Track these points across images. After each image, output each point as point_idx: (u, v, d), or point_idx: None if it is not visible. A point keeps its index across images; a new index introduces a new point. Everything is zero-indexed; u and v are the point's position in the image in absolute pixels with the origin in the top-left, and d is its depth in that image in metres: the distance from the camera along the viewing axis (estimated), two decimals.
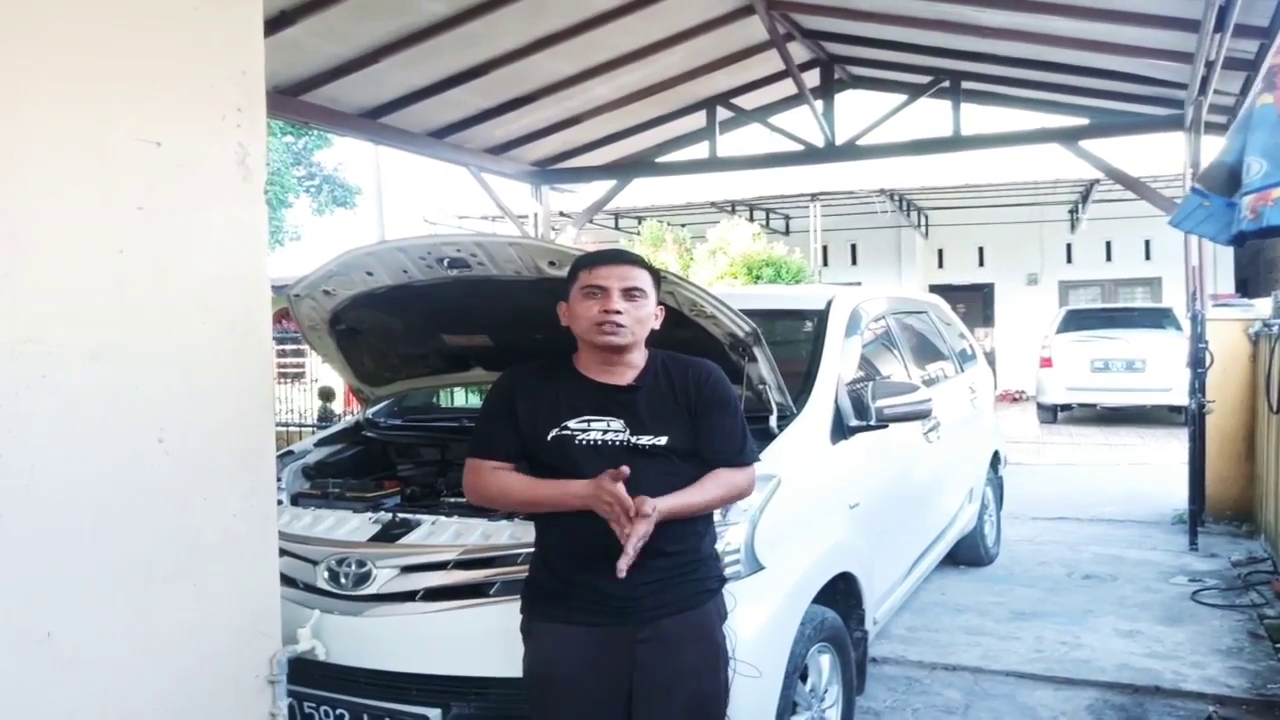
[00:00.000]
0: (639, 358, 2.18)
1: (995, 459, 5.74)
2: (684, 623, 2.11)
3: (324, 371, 9.99)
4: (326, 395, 9.82)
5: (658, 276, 2.24)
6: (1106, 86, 6.92)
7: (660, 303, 2.23)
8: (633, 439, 2.10)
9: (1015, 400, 15.64)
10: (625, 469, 1.96)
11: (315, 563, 2.70)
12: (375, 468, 3.62)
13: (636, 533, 1.94)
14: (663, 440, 2.11)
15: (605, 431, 2.11)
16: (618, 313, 2.07)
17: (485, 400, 2.34)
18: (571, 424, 2.11)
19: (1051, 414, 12.71)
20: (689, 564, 2.14)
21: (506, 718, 2.42)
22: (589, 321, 2.10)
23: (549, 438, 2.12)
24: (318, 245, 22.82)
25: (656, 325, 2.19)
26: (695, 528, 2.17)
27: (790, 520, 2.81)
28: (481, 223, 14.77)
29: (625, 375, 2.15)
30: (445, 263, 2.75)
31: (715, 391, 2.19)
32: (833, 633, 2.91)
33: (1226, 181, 2.74)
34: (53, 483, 1.80)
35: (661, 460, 2.11)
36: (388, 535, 2.76)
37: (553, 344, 2.25)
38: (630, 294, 2.10)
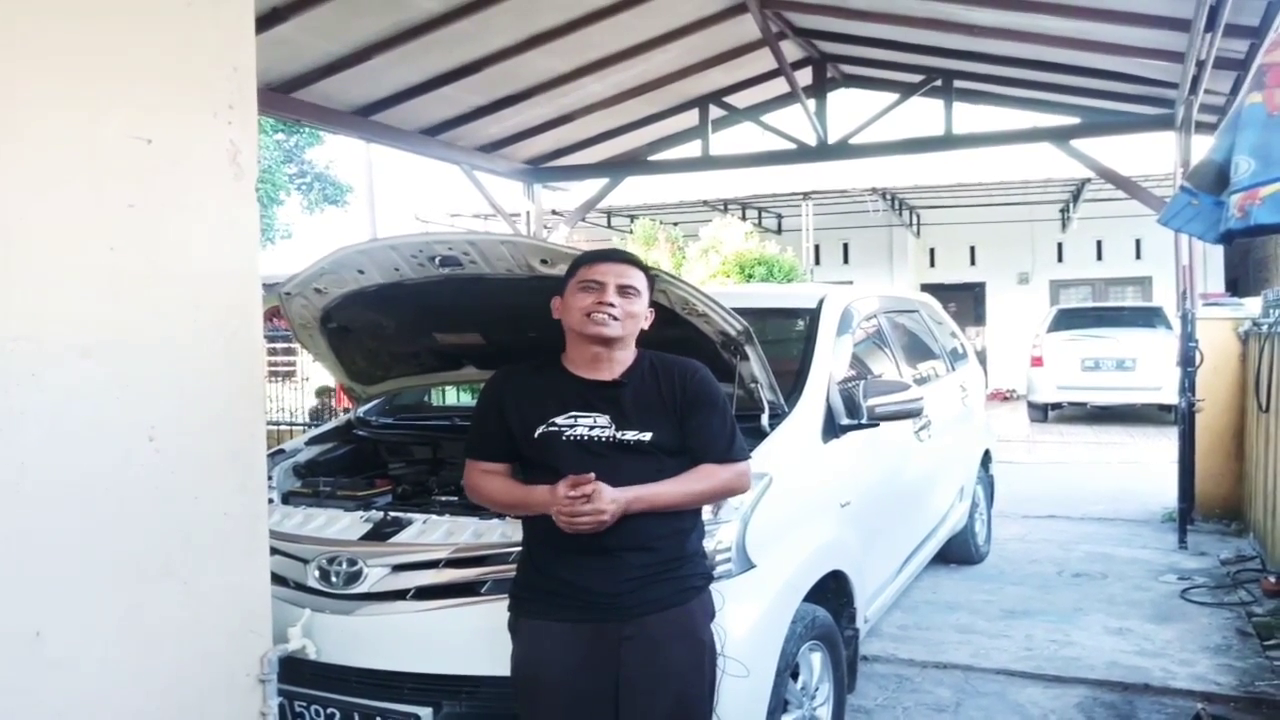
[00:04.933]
0: (627, 355, 2.20)
1: (986, 457, 5.76)
2: (668, 620, 2.11)
3: (315, 370, 9.96)
4: (324, 394, 9.84)
5: (652, 279, 2.28)
6: (1098, 86, 6.94)
7: (652, 303, 2.26)
8: (618, 434, 2.12)
9: (1006, 399, 15.69)
10: (590, 475, 2.01)
11: (306, 561, 2.69)
12: (367, 466, 3.61)
13: (582, 507, 1.98)
14: (648, 436, 2.12)
15: (592, 427, 2.12)
16: (610, 305, 2.11)
17: (476, 402, 2.35)
18: (559, 420, 2.13)
19: (1042, 413, 12.75)
20: (673, 561, 2.15)
21: (498, 716, 2.42)
22: (581, 312, 2.12)
23: (536, 435, 2.14)
24: (309, 243, 22.79)
25: (646, 325, 2.22)
26: (680, 525, 2.17)
27: (782, 519, 2.81)
28: (474, 221, 14.74)
29: (612, 371, 2.18)
30: (437, 261, 2.75)
31: (701, 390, 2.20)
32: (824, 631, 2.91)
33: (1215, 180, 2.75)
34: (43, 480, 1.79)
35: (648, 456, 2.12)
36: (379, 534, 2.75)
37: (545, 342, 2.26)
38: (625, 291, 2.15)
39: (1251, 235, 2.73)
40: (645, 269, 2.24)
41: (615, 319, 2.11)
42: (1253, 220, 2.52)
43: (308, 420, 9.26)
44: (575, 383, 2.17)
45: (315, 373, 10.46)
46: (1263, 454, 5.51)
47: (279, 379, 11.37)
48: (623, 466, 2.08)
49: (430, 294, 2.93)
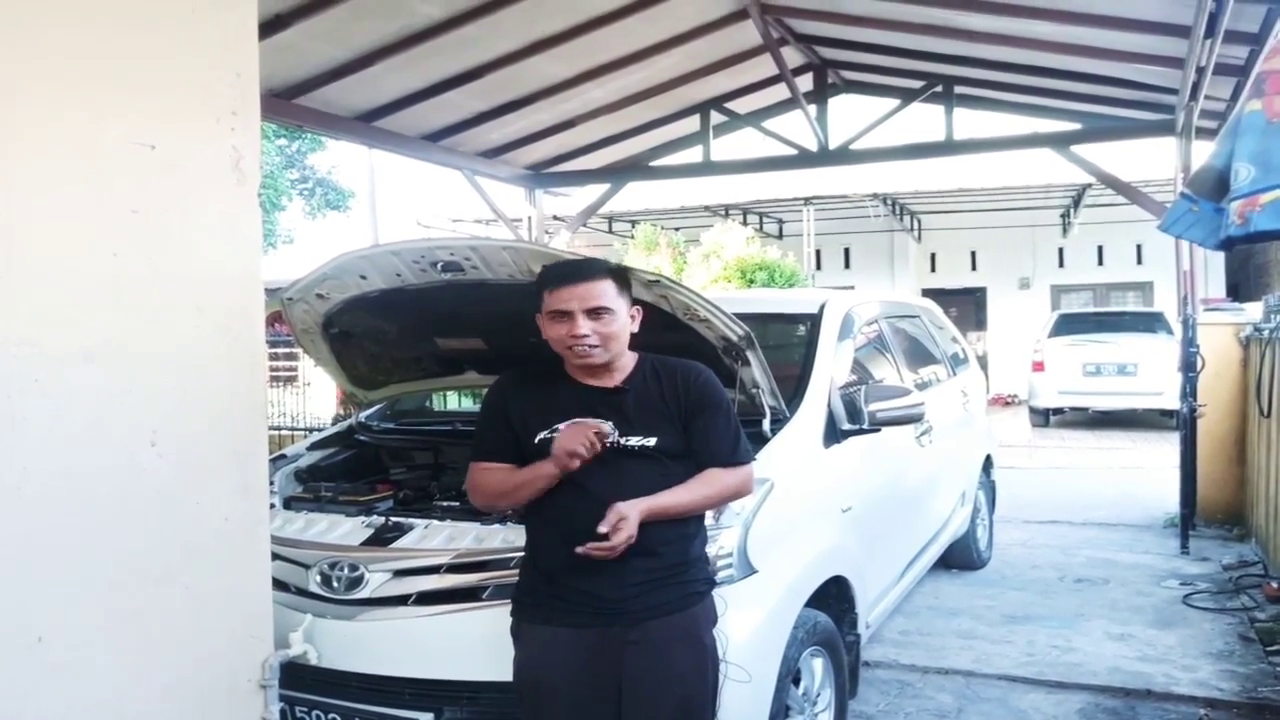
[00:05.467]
0: (626, 362, 2.19)
1: (987, 463, 5.76)
2: (672, 625, 2.11)
3: (317, 375, 9.97)
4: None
5: (625, 279, 2.20)
6: (1098, 91, 6.95)
7: (636, 302, 2.22)
8: (623, 440, 2.11)
9: (1008, 404, 15.68)
10: (603, 530, 1.99)
11: (308, 566, 2.69)
12: (368, 471, 3.61)
13: (606, 543, 1.98)
14: (652, 441, 2.12)
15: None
16: (585, 336, 2.07)
17: (481, 407, 2.35)
18: (562, 427, 2.12)
19: (1044, 418, 12.74)
20: (677, 566, 2.15)
21: None
22: (559, 344, 2.12)
23: (538, 441, 2.14)
24: (311, 248, 22.82)
25: (634, 327, 2.19)
26: (684, 530, 2.17)
27: (783, 524, 2.81)
28: (475, 226, 14.76)
29: (613, 379, 2.17)
30: (439, 266, 2.75)
31: (704, 392, 2.19)
32: (825, 636, 2.91)
33: (1215, 187, 2.76)
34: (45, 485, 1.79)
35: (652, 461, 2.12)
36: (380, 539, 2.75)
37: (546, 348, 2.26)
38: (596, 313, 2.08)
39: (1252, 241, 2.74)
40: (613, 272, 2.15)
41: (595, 346, 2.08)
42: (1253, 227, 2.53)
43: (330, 423, 9.25)
44: (578, 389, 2.16)
45: (317, 378, 10.46)
46: (1264, 459, 5.51)
47: (281, 384, 11.38)
48: (627, 471, 2.08)
49: (432, 299, 2.93)
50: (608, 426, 2.05)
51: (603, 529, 1.98)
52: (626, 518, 1.99)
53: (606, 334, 2.09)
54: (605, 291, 2.10)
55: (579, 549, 1.99)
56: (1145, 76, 6.33)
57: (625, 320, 2.14)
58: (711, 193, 14.13)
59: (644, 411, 2.14)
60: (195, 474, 2.07)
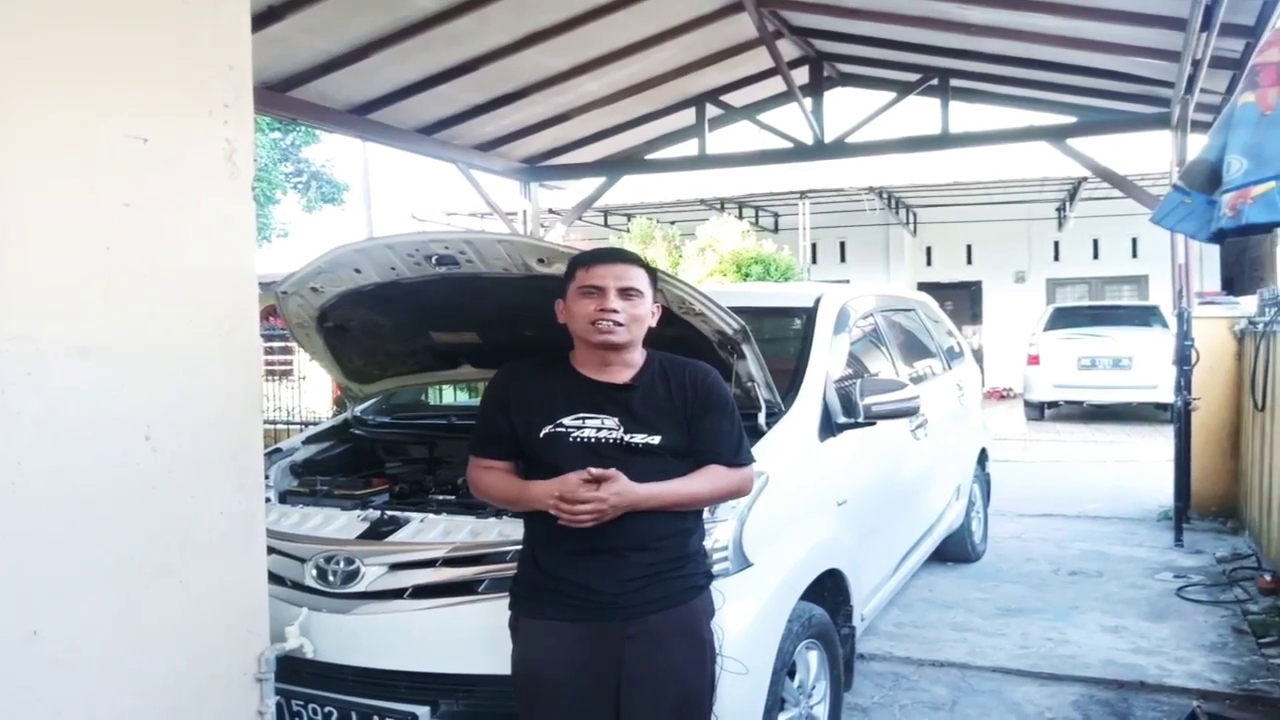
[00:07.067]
0: (636, 357, 2.19)
1: (982, 456, 5.77)
2: (671, 619, 2.12)
3: (312, 369, 9.96)
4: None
5: (654, 275, 2.25)
6: (1094, 85, 6.95)
7: (656, 301, 2.24)
8: (626, 437, 2.11)
9: (1003, 398, 15.71)
10: (594, 470, 2.00)
11: (303, 560, 2.69)
12: (363, 465, 3.61)
13: (596, 492, 1.99)
14: (656, 439, 2.12)
15: (599, 429, 2.12)
16: (614, 311, 2.08)
17: (482, 398, 2.35)
18: (566, 421, 2.12)
19: (1039, 411, 12.78)
20: (675, 560, 2.15)
21: (495, 715, 2.43)
22: (586, 320, 2.11)
23: (542, 434, 2.13)
24: (306, 242, 22.79)
25: (653, 323, 2.20)
26: (683, 524, 2.17)
27: (778, 517, 2.82)
28: (470, 220, 14.73)
29: (622, 374, 2.17)
30: (434, 260, 2.75)
31: (712, 394, 2.20)
32: (820, 629, 2.92)
33: (1207, 179, 2.77)
34: (40, 481, 1.79)
35: (655, 459, 2.12)
36: (376, 533, 2.75)
37: (541, 341, 2.26)
38: (627, 294, 2.11)
39: (1243, 234, 2.75)
40: (646, 266, 2.21)
41: (620, 325, 2.09)
42: (1244, 219, 2.54)
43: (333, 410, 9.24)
44: (584, 384, 2.16)
45: (312, 372, 10.46)
46: (1258, 452, 5.53)
47: (276, 378, 11.36)
48: (629, 468, 2.07)
49: (427, 293, 2.93)
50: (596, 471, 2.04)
51: (594, 470, 2.00)
52: (618, 480, 2.00)
53: (633, 315, 2.12)
54: (639, 276, 2.16)
55: (557, 503, 2.00)
56: (1141, 70, 6.33)
57: (648, 311, 2.17)
58: (707, 186, 14.11)
59: (649, 409, 2.14)
60: (190, 469, 2.07)
